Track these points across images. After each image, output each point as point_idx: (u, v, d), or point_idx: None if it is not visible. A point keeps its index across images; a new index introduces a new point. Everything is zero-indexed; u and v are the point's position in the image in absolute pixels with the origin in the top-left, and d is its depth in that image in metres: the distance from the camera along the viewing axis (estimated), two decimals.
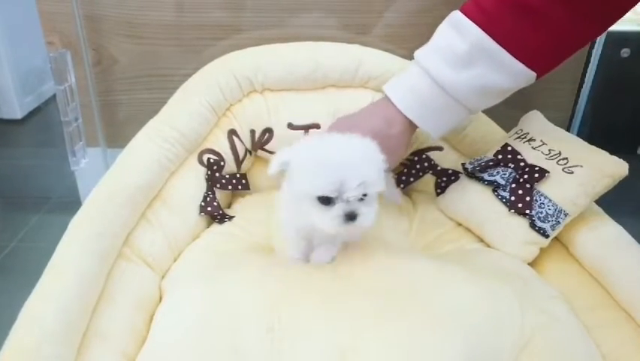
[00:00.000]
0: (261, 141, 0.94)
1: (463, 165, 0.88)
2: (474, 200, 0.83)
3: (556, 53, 0.70)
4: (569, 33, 0.67)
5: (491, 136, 0.93)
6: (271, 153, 0.94)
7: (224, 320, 0.62)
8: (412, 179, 0.94)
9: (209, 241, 0.83)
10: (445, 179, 0.92)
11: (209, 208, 0.85)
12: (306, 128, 0.92)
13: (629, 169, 0.77)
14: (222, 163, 0.91)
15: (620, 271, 0.69)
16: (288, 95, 0.94)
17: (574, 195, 0.76)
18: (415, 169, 0.94)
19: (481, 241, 0.83)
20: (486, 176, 0.82)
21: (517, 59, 0.67)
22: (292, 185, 0.63)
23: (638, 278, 0.67)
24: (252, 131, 0.94)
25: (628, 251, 0.72)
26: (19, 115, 2.05)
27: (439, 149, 0.95)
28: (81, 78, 1.10)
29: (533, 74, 0.69)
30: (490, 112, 0.93)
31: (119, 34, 1.08)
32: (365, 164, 0.61)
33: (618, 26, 1.48)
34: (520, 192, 0.78)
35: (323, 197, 0.60)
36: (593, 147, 0.80)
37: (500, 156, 0.83)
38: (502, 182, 0.80)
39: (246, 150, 0.95)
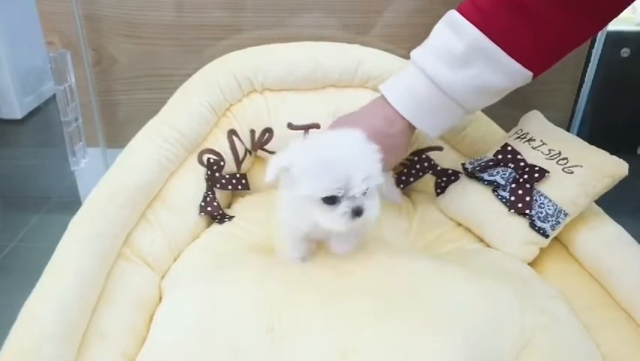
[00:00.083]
0: (261, 140, 0.94)
1: (463, 165, 0.88)
2: (474, 200, 0.83)
3: (553, 52, 0.70)
4: (565, 32, 0.67)
5: (491, 136, 0.93)
6: (271, 152, 0.94)
7: (224, 320, 0.62)
8: (411, 179, 0.94)
9: (209, 241, 0.83)
10: (445, 179, 0.92)
11: (209, 208, 0.85)
12: (306, 128, 0.92)
13: (629, 169, 0.77)
14: (222, 163, 0.91)
15: (620, 271, 0.69)
16: (288, 95, 0.94)
17: (574, 195, 0.76)
18: (415, 169, 0.94)
19: (481, 241, 0.83)
20: (486, 176, 0.82)
21: (513, 58, 0.67)
22: (294, 189, 0.62)
23: (638, 278, 0.67)
24: (252, 131, 0.94)
25: (628, 251, 0.72)
26: (19, 115, 2.05)
27: (439, 149, 0.95)
28: (81, 78, 1.10)
29: (530, 74, 0.69)
30: (490, 112, 0.93)
31: (119, 34, 1.08)
32: (364, 157, 0.61)
33: (618, 26, 1.49)
34: (520, 192, 0.78)
35: (328, 197, 0.59)
36: (593, 147, 0.80)
37: (500, 156, 0.83)
38: (502, 182, 0.80)
39: (246, 150, 0.95)
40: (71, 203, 1.01)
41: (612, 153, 0.78)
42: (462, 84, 0.69)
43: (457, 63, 0.68)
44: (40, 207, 1.49)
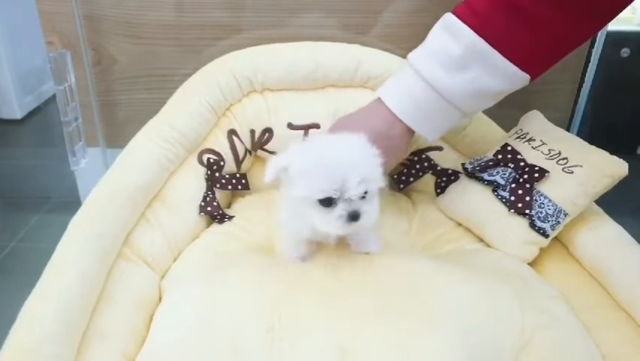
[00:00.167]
0: (261, 140, 0.94)
1: (462, 165, 0.88)
2: (474, 200, 0.83)
3: (550, 54, 0.69)
4: (562, 34, 0.67)
5: (491, 136, 0.93)
6: (271, 152, 0.94)
7: (224, 320, 0.62)
8: (411, 179, 0.94)
9: (208, 240, 0.83)
10: (445, 179, 0.92)
11: (208, 208, 0.85)
12: (306, 128, 0.92)
13: (629, 169, 0.77)
14: (222, 163, 0.91)
15: (620, 271, 0.69)
16: (288, 95, 0.94)
17: (574, 195, 0.76)
18: (415, 169, 0.94)
19: (481, 241, 0.83)
20: (486, 176, 0.82)
21: (510, 61, 0.67)
22: (291, 190, 0.62)
23: (638, 278, 0.67)
24: (252, 131, 0.94)
25: (628, 251, 0.72)
26: (18, 115, 2.05)
27: (439, 149, 0.95)
28: (81, 78, 1.10)
29: (527, 77, 0.69)
30: (490, 112, 0.93)
31: (119, 34, 1.08)
32: (363, 161, 0.60)
33: (618, 26, 1.49)
34: (520, 192, 0.78)
35: (324, 199, 0.59)
36: (593, 147, 0.80)
37: (500, 156, 0.83)
38: (502, 182, 0.80)
39: (246, 150, 0.95)
40: (71, 203, 1.01)
41: (612, 152, 0.78)
42: (459, 88, 0.69)
43: (454, 67, 0.68)
44: (40, 207, 1.49)
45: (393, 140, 0.73)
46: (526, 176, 0.78)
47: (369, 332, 0.60)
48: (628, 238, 0.75)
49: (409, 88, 0.72)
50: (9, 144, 1.93)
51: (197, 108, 0.89)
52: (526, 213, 0.77)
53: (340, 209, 0.59)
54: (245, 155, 0.94)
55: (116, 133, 1.17)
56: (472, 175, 0.84)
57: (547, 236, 0.77)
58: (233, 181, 0.91)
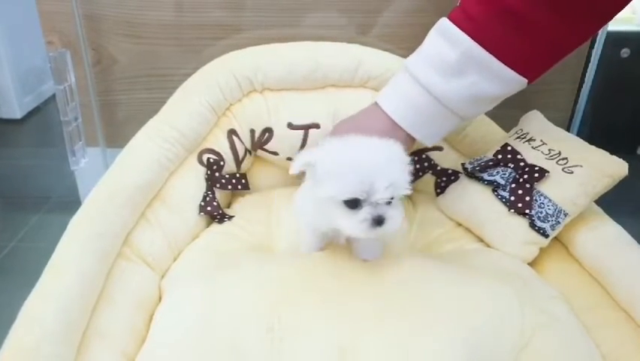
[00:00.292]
0: (261, 140, 0.94)
1: (462, 165, 0.88)
2: (474, 200, 0.83)
3: (547, 58, 0.69)
4: (558, 38, 0.66)
5: (491, 136, 0.93)
6: (271, 152, 0.94)
7: (224, 319, 0.62)
8: (411, 179, 0.94)
9: (208, 240, 0.83)
10: (445, 179, 0.92)
11: (208, 208, 0.85)
12: (306, 128, 0.92)
13: (629, 169, 0.77)
14: (222, 163, 0.91)
15: (620, 271, 0.69)
16: (288, 95, 0.94)
17: (574, 195, 0.76)
18: (415, 169, 0.94)
19: (481, 241, 0.83)
20: (486, 176, 0.82)
21: (507, 66, 0.66)
22: (317, 188, 0.61)
23: (638, 278, 0.67)
24: (252, 131, 0.94)
25: (628, 251, 0.72)
26: (18, 115, 2.05)
27: (439, 149, 0.95)
28: (81, 78, 1.10)
29: (525, 80, 0.68)
30: (490, 112, 0.92)
31: (119, 33, 1.08)
32: (393, 165, 0.59)
33: (618, 26, 1.49)
34: (520, 192, 0.78)
35: (350, 200, 0.58)
36: (593, 147, 0.80)
37: (500, 156, 0.83)
38: (502, 182, 0.80)
39: (246, 150, 0.95)
40: (71, 203, 1.01)
41: (612, 153, 0.78)
42: (456, 93, 0.68)
43: (450, 72, 0.68)
44: (40, 207, 1.49)
45: (398, 141, 0.72)
46: (526, 176, 0.78)
47: (369, 332, 0.60)
48: (628, 238, 0.75)
49: (406, 94, 0.71)
50: (9, 143, 1.93)
51: (197, 108, 0.89)
52: (526, 213, 0.77)
53: (365, 212, 0.58)
54: (245, 155, 0.94)
55: (116, 133, 1.17)
56: (472, 175, 0.84)
57: (547, 236, 0.77)
58: (233, 181, 0.91)
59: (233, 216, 0.87)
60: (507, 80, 0.68)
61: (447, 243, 0.83)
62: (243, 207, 0.91)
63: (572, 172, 0.77)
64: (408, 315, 0.62)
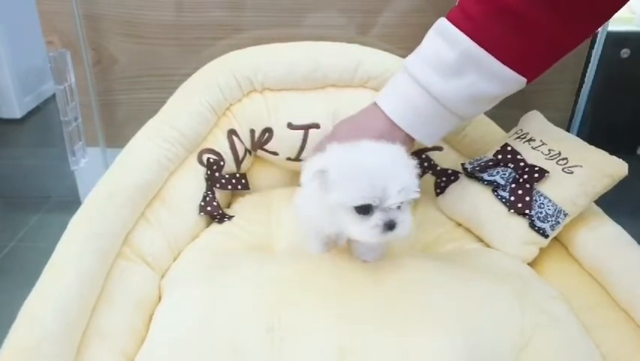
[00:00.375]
0: (261, 140, 0.94)
1: (462, 165, 0.88)
2: (474, 200, 0.83)
3: (545, 57, 0.69)
4: (556, 38, 0.66)
5: (491, 136, 0.93)
6: (271, 152, 0.94)
7: (224, 319, 0.62)
8: None
9: (208, 240, 0.83)
10: (445, 179, 0.92)
11: (208, 208, 0.85)
12: (306, 128, 0.92)
13: (629, 169, 0.77)
14: (222, 163, 0.91)
15: (620, 271, 0.69)
16: (288, 95, 0.94)
17: (573, 195, 0.77)
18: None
19: (481, 241, 0.83)
20: (486, 176, 0.82)
21: (506, 65, 0.66)
22: (327, 195, 0.60)
23: (638, 278, 0.67)
24: (252, 131, 0.94)
25: (628, 251, 0.72)
26: (18, 115, 2.05)
27: (439, 149, 0.95)
28: (81, 78, 1.10)
29: (524, 80, 0.68)
30: (490, 112, 0.92)
31: (119, 33, 1.08)
32: (402, 170, 0.59)
33: (618, 27, 1.49)
34: (519, 192, 0.78)
35: (361, 206, 0.58)
36: (593, 147, 0.80)
37: (500, 156, 0.83)
38: (502, 182, 0.80)
39: (246, 150, 0.95)
40: (71, 203, 1.01)
41: (612, 153, 0.78)
42: (455, 93, 0.68)
43: (449, 72, 0.67)
44: (40, 207, 1.49)
45: (397, 142, 0.72)
46: (526, 176, 0.78)
47: (369, 332, 0.60)
48: (628, 238, 0.75)
49: (404, 94, 0.71)
50: (9, 143, 1.93)
51: (197, 108, 0.89)
52: (526, 214, 0.77)
53: (377, 218, 0.58)
54: (245, 155, 0.95)
55: (116, 133, 1.17)
56: (472, 175, 0.84)
57: (546, 236, 0.77)
58: (233, 181, 0.91)
59: (233, 216, 0.87)
60: (506, 80, 0.68)
61: (447, 243, 0.83)
62: (243, 207, 0.91)
63: (571, 172, 0.77)
64: (408, 315, 0.62)
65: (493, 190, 0.81)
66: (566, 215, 0.77)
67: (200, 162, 0.89)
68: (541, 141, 0.83)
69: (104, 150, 1.18)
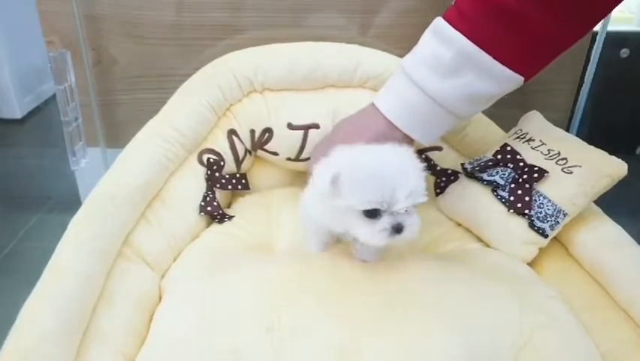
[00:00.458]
0: (261, 140, 0.94)
1: (462, 165, 0.88)
2: (473, 200, 0.83)
3: (541, 55, 0.68)
4: (551, 35, 0.66)
5: (491, 136, 0.93)
6: (271, 152, 0.94)
7: (223, 319, 0.62)
8: None
9: (208, 240, 0.83)
10: (445, 179, 0.93)
11: (208, 208, 0.85)
12: (306, 128, 0.92)
13: (629, 169, 0.77)
14: (222, 163, 0.91)
15: (620, 271, 0.69)
16: (288, 95, 0.94)
17: (573, 195, 0.77)
18: None
19: (481, 241, 0.83)
20: (485, 176, 0.82)
21: (503, 64, 0.66)
22: (336, 198, 0.60)
23: (637, 278, 0.67)
24: (252, 131, 0.94)
25: (627, 251, 0.72)
26: (18, 115, 2.05)
27: (439, 149, 0.95)
28: (81, 78, 1.10)
29: (521, 78, 0.68)
30: (489, 112, 0.93)
31: (119, 33, 1.08)
32: (411, 174, 0.59)
33: (618, 27, 1.49)
34: (519, 192, 0.78)
35: (370, 210, 0.58)
36: (592, 147, 0.80)
37: (500, 156, 0.83)
38: (502, 182, 0.80)
39: (246, 150, 0.95)
40: (71, 203, 1.01)
41: (611, 153, 0.78)
42: (452, 93, 0.68)
43: (445, 72, 0.67)
44: (40, 206, 1.49)
45: (397, 142, 0.72)
46: (525, 176, 0.78)
47: (369, 332, 0.60)
48: (627, 238, 0.75)
49: (401, 93, 0.71)
50: (9, 143, 1.93)
51: (197, 108, 0.89)
52: (526, 214, 0.77)
53: (385, 222, 0.58)
54: (245, 155, 0.95)
55: (116, 133, 1.17)
56: (472, 175, 0.85)
57: (546, 236, 0.77)
58: (233, 181, 0.92)
59: (233, 216, 0.87)
60: (503, 79, 0.68)
61: (447, 243, 0.84)
62: (242, 207, 0.91)
63: (571, 172, 0.77)
64: (407, 315, 0.62)
65: (493, 190, 0.81)
66: (565, 215, 0.77)
67: (201, 162, 0.89)
68: (540, 141, 0.83)
69: (104, 150, 1.18)
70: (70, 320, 0.57)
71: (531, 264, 0.79)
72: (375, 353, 0.58)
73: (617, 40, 1.45)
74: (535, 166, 0.79)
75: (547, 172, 0.77)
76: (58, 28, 1.06)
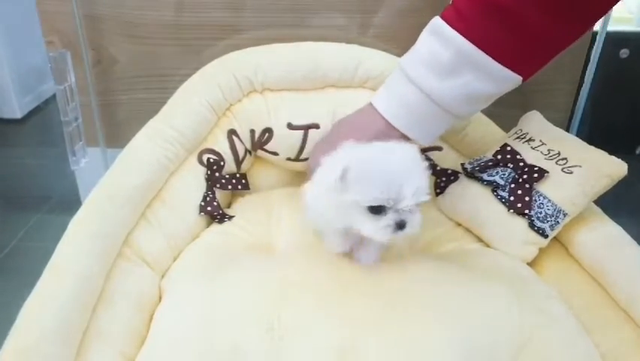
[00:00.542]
0: (261, 140, 0.94)
1: (462, 165, 0.88)
2: (473, 200, 0.83)
3: (539, 55, 0.68)
4: (549, 35, 0.65)
5: (491, 136, 0.93)
6: (271, 152, 0.94)
7: (224, 319, 0.62)
8: None
9: (208, 240, 0.83)
10: (445, 179, 0.93)
11: (208, 208, 0.85)
12: (306, 128, 0.92)
13: (628, 169, 0.77)
14: (222, 163, 0.91)
15: (619, 271, 0.69)
16: (288, 95, 0.94)
17: (573, 195, 0.77)
18: None
19: (481, 241, 0.83)
20: (485, 176, 0.82)
21: (501, 63, 0.66)
22: (342, 193, 0.60)
23: (637, 278, 0.67)
24: (252, 131, 0.94)
25: (627, 251, 0.73)
26: (18, 115, 2.05)
27: (439, 149, 0.95)
28: (81, 78, 1.10)
29: (519, 78, 0.68)
30: (489, 112, 0.93)
31: (119, 34, 1.08)
32: (416, 172, 0.60)
33: (617, 27, 1.49)
34: (519, 192, 0.78)
35: (375, 206, 0.59)
36: (592, 147, 0.80)
37: (500, 156, 0.83)
38: (502, 182, 0.80)
39: (246, 150, 0.95)
40: (71, 203, 1.01)
41: (611, 153, 0.78)
42: (450, 92, 0.68)
43: (444, 71, 0.67)
44: (40, 206, 1.49)
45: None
46: (525, 176, 0.78)
47: (369, 332, 0.60)
48: (627, 238, 0.75)
49: (398, 93, 0.71)
50: (9, 143, 1.93)
51: (197, 108, 0.89)
52: (526, 214, 0.77)
53: (389, 218, 0.59)
54: (245, 155, 0.95)
55: (116, 133, 1.17)
56: (472, 175, 0.85)
57: (546, 236, 0.77)
58: (233, 181, 0.92)
59: (233, 216, 0.87)
60: (501, 78, 0.67)
61: (447, 243, 0.84)
62: (242, 208, 0.91)
63: (571, 172, 0.77)
64: (407, 315, 0.62)
65: (493, 190, 0.81)
66: (565, 215, 0.77)
67: (201, 162, 0.89)
68: (540, 141, 0.83)
69: (104, 150, 1.18)
70: (69, 319, 0.57)
71: (531, 264, 0.79)
72: (375, 353, 0.58)
73: (616, 40, 1.45)
74: (535, 166, 0.79)
75: (548, 172, 0.78)
76: (58, 28, 1.06)
